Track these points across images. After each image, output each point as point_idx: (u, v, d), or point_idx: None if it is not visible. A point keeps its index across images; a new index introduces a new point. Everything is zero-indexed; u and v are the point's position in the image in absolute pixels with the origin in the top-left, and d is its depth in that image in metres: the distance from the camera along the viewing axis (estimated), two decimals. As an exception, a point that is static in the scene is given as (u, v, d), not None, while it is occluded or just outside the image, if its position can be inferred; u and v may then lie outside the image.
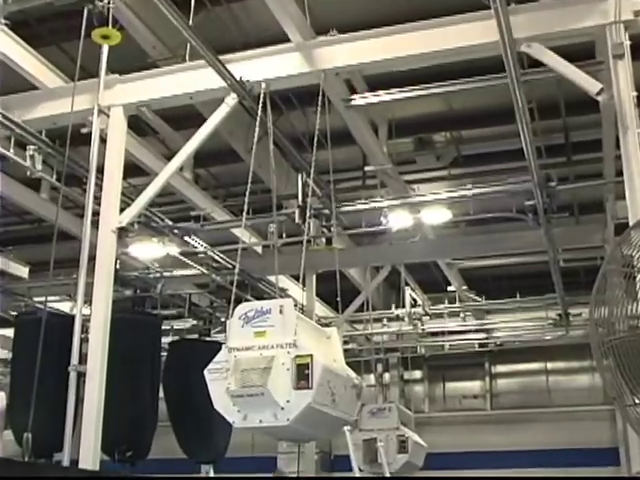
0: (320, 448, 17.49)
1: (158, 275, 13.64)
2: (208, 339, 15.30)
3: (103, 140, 8.64)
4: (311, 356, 5.35)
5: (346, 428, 5.79)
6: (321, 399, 5.39)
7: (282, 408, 5.30)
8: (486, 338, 18.43)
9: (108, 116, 8.63)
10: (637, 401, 4.78)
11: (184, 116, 10.21)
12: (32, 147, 9.32)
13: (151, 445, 12.43)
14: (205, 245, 12.26)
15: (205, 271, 12.96)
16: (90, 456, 7.56)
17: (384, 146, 11.07)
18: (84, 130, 8.66)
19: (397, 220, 11.47)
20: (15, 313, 13.98)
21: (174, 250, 11.89)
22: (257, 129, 7.90)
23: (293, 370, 5.34)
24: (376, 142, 10.67)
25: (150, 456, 12.42)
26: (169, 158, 9.08)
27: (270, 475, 16.47)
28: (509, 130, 10.45)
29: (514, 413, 18.89)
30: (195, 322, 16.26)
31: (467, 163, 12.57)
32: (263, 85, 8.20)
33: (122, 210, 8.62)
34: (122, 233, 8.72)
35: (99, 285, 8.14)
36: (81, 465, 7.39)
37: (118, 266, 11.65)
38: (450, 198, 10.92)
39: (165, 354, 14.27)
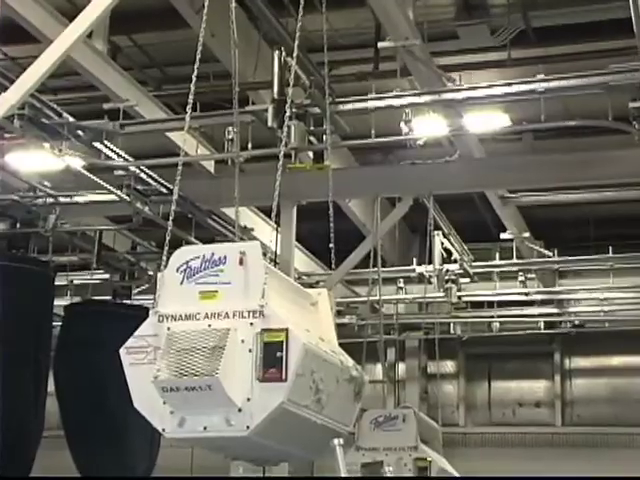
0: (297, 474, 17.70)
1: (51, 201, 13.64)
2: (127, 302, 15.41)
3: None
4: (286, 331, 5.40)
5: (336, 443, 5.84)
6: (300, 398, 5.46)
7: (239, 410, 5.37)
8: (558, 315, 18.59)
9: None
10: None
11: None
12: None
13: (32, 463, 12.57)
14: (126, 156, 12.26)
15: (125, 197, 12.97)
16: None
17: (410, 10, 11.04)
18: None
19: (425, 127, 11.49)
20: None
21: (76, 162, 11.88)
22: (211, -24, 7.86)
23: (258, 352, 5.39)
24: (397, 3, 10.64)
25: (32, 480, 12.59)
26: (71, 18, 9.02)
27: None
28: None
29: (599, 432, 19.13)
30: (107, 275, 16.34)
31: (538, 40, 12.55)
32: None
33: (-5, 97, 8.60)
34: (-5, 133, 8.71)
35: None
36: None
37: (-13, 185, 11.69)
38: (510, 95, 10.93)
39: (59, 324, 14.37)
